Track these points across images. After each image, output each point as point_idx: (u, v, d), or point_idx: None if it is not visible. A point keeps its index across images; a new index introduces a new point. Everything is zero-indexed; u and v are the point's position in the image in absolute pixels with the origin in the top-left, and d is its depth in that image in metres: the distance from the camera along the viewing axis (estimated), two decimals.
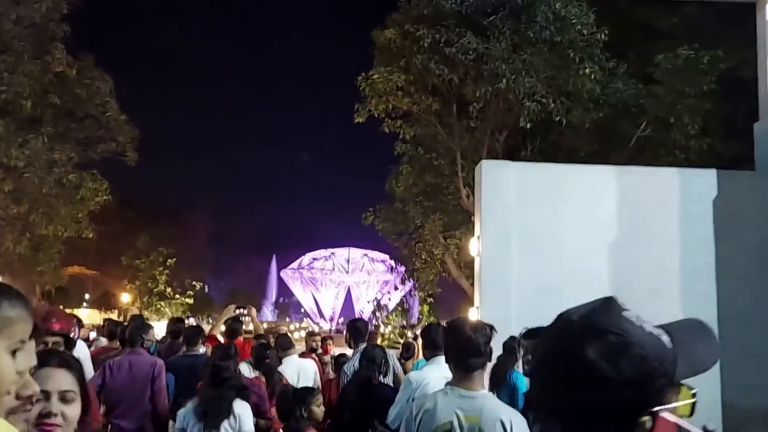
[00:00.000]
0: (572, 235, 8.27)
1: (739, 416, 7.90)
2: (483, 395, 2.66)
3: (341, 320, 63.82)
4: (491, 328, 2.77)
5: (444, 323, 3.07)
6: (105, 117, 15.83)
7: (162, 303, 22.02)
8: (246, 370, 5.36)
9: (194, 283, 22.80)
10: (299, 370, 6.22)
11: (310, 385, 5.63)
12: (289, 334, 7.47)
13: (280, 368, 6.02)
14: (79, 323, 6.79)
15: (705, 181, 8.47)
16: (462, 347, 2.69)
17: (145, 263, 22.49)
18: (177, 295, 22.43)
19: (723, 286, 8.18)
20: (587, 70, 10.25)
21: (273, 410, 4.79)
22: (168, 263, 22.71)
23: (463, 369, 2.70)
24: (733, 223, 8.28)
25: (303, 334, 22.92)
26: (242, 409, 3.73)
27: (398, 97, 10.42)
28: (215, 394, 3.69)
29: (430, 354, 4.40)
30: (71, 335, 2.96)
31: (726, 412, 7.94)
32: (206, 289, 43.38)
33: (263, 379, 5.28)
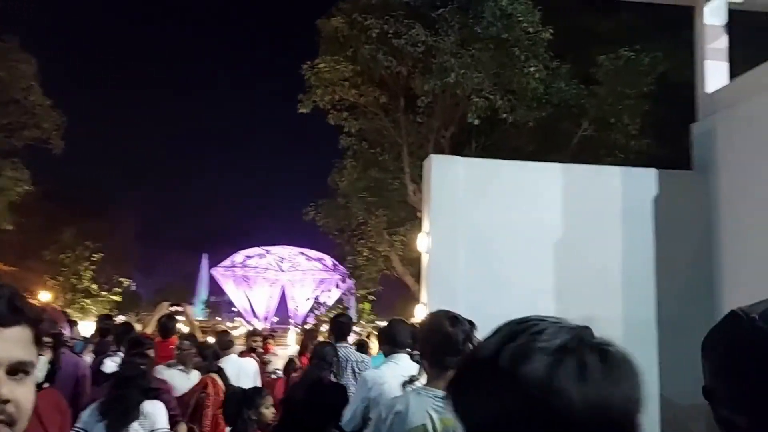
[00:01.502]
0: (520, 231, 8.22)
1: (676, 412, 8.10)
2: None
3: (276, 319, 62.93)
4: (471, 323, 2.58)
5: (425, 318, 2.82)
6: (29, 102, 14.81)
7: (87, 300, 20.79)
8: (166, 372, 5.01)
9: (122, 279, 21.64)
10: (239, 370, 5.91)
11: (250, 384, 5.38)
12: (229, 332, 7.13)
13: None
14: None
15: (646, 179, 8.62)
16: (439, 343, 2.48)
17: (70, 258, 21.22)
18: (103, 293, 21.28)
19: (662, 285, 8.35)
20: (532, 69, 10.32)
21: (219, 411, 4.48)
22: (94, 259, 21.50)
23: (439, 367, 2.50)
24: (672, 221, 8.46)
25: (235, 333, 22.18)
26: (154, 408, 3.46)
27: (345, 87, 10.15)
28: (119, 394, 3.42)
29: (389, 351, 4.17)
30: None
31: (663, 408, 8.13)
32: (134, 287, 41.86)
33: (217, 379, 4.93)
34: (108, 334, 6.47)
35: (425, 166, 8.78)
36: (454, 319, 2.59)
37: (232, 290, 71.11)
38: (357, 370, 4.77)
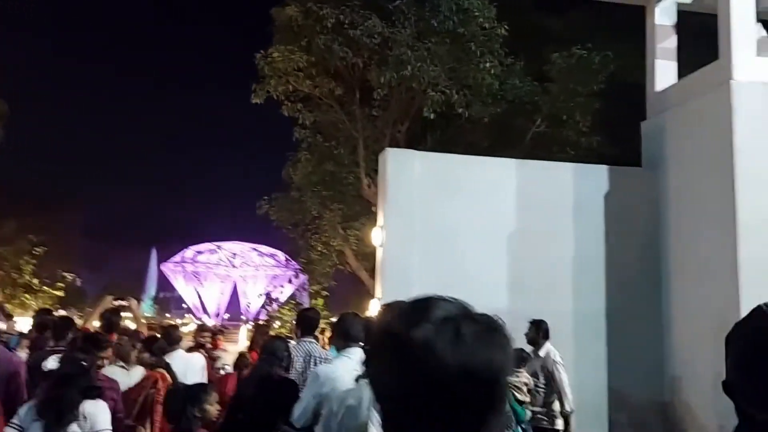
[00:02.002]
0: (474, 225, 8.25)
1: (623, 402, 8.26)
2: None
3: (227, 316, 61.95)
4: None
5: (380, 310, 2.69)
6: None
7: (27, 296, 19.87)
8: (107, 369, 4.82)
9: (65, 274, 20.75)
10: (186, 365, 5.72)
11: (197, 380, 5.21)
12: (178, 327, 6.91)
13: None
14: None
15: (597, 176, 8.77)
16: None
17: (10, 252, 20.22)
18: (45, 287, 20.36)
19: (611, 280, 8.50)
20: (488, 64, 10.33)
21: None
22: (36, 253, 20.56)
23: None
24: (622, 217, 8.63)
25: (185, 330, 21.60)
26: (95, 408, 3.29)
27: (299, 78, 9.93)
28: (57, 393, 3.23)
29: (342, 345, 4.06)
30: None
31: (611, 398, 8.28)
32: (78, 282, 40.77)
33: (166, 374, 4.74)
34: (46, 329, 6.15)
35: (381, 159, 8.73)
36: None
37: (182, 286, 69.63)
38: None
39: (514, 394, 5.58)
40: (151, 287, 71.94)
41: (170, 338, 5.95)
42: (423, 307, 0.88)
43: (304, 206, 12.67)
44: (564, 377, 6.42)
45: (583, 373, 7.77)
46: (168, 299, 71.04)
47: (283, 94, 10.21)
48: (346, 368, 4.00)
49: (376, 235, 8.26)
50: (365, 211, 10.89)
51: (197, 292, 68.73)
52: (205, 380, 5.45)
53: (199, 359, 6.03)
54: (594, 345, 8.17)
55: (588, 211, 8.56)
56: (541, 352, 6.53)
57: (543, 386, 6.40)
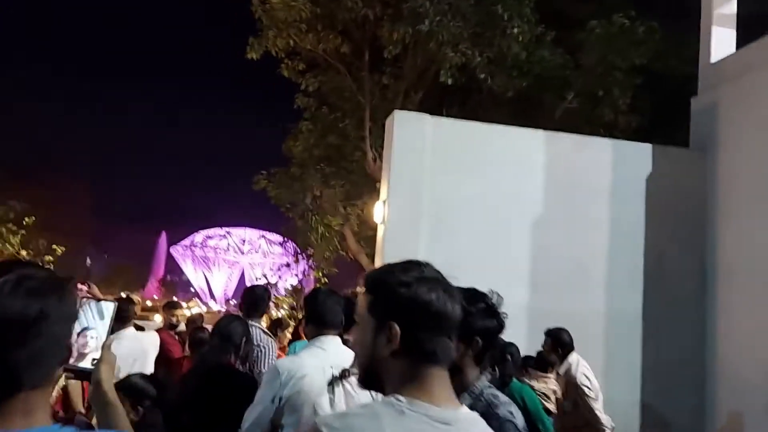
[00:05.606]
0: (492, 204, 7.13)
1: (658, 420, 7.15)
2: (467, 419, 1.22)
3: (234, 302, 61.79)
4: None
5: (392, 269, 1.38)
6: None
7: None
8: None
9: (55, 246, 19.69)
10: (139, 346, 4.78)
11: (148, 366, 4.24)
12: (133, 301, 5.89)
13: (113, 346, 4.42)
14: None
15: (639, 155, 7.60)
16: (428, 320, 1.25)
17: None
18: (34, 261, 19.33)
19: (650, 276, 7.35)
20: (515, 30, 9.16)
21: None
22: (25, 222, 19.55)
23: (428, 360, 1.24)
24: (665, 204, 7.46)
25: (188, 313, 20.50)
26: None
27: (301, 32, 8.77)
28: None
29: (313, 332, 2.94)
30: None
31: (644, 414, 7.17)
32: (88, 262, 40.47)
33: None
34: None
35: (388, 123, 7.59)
36: (449, 286, 1.34)
37: (190, 270, 69.69)
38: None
39: (542, 403, 4.46)
40: (159, 269, 72.09)
41: (119, 314, 4.91)
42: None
43: (305, 184, 11.54)
44: (594, 403, 5.01)
45: (612, 385, 6.64)
46: (175, 282, 71.15)
47: (284, 50, 9.05)
48: (317, 364, 2.91)
49: (378, 211, 7.15)
50: (370, 190, 9.76)
51: (205, 277, 68.73)
52: (150, 365, 4.48)
53: (151, 340, 4.99)
54: (627, 352, 7.07)
55: (627, 196, 7.43)
56: (561, 369, 5.16)
57: (571, 408, 5.14)
